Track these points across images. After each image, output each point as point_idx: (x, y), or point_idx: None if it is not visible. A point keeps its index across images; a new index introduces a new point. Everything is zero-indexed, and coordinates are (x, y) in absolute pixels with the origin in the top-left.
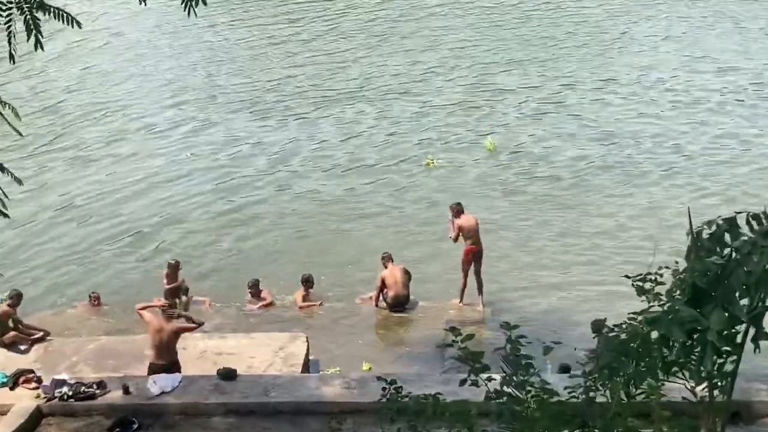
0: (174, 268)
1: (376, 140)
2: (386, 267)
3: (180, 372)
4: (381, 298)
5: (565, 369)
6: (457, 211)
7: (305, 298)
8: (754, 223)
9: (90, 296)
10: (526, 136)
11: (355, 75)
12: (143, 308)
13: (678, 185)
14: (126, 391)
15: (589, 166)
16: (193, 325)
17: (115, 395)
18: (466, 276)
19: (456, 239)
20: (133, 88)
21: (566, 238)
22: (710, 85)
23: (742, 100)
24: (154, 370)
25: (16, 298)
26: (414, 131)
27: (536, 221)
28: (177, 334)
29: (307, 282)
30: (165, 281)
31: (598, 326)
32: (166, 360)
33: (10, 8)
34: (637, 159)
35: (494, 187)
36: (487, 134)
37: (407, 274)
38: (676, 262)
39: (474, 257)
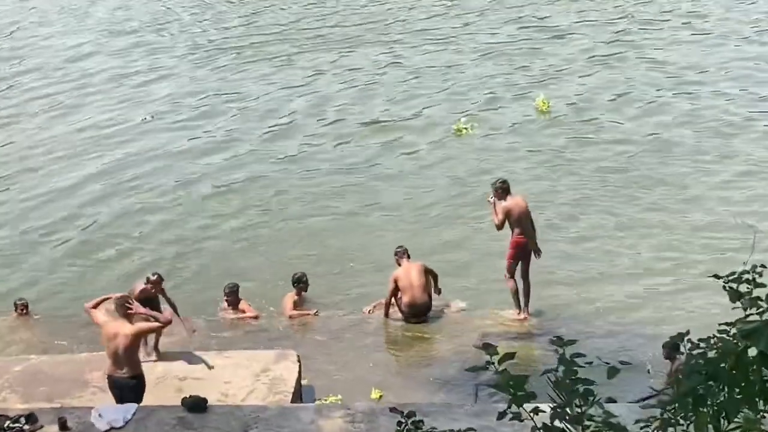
0: (156, 284)
1: (389, 97)
2: (400, 264)
3: (143, 387)
4: (394, 304)
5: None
6: (502, 190)
7: (297, 305)
8: None
9: (15, 304)
10: (589, 92)
11: (368, 11)
12: (96, 305)
13: None
14: (63, 426)
15: (671, 126)
16: (156, 324)
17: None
18: (512, 275)
19: (501, 227)
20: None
21: (637, 226)
22: None
23: None
24: (113, 383)
25: None
26: (441, 87)
27: (599, 205)
28: (138, 337)
29: (299, 283)
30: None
31: (673, 346)
32: (128, 371)
33: None
34: (734, 115)
35: (545, 160)
36: (538, 91)
37: (428, 274)
38: None
39: (523, 252)
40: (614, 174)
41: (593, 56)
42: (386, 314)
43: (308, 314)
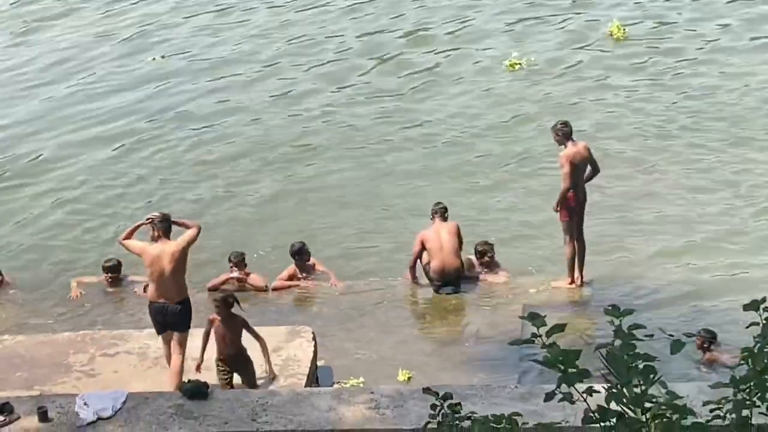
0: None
1: (427, 25)
2: (436, 218)
3: (190, 313)
4: (421, 270)
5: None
6: (564, 134)
7: (295, 278)
8: None
9: None
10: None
11: None
12: (128, 235)
13: None
14: (44, 417)
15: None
16: (194, 230)
17: (27, 423)
18: (572, 237)
19: (569, 183)
20: None
21: (709, 182)
22: None
23: None
24: (157, 310)
25: None
26: (489, 13)
27: (667, 156)
28: (183, 253)
29: (300, 254)
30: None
31: (710, 334)
32: (174, 297)
33: None
34: None
35: (615, 98)
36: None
37: (459, 236)
38: None
39: (580, 209)
40: (689, 121)
41: None
42: (413, 278)
43: (296, 285)
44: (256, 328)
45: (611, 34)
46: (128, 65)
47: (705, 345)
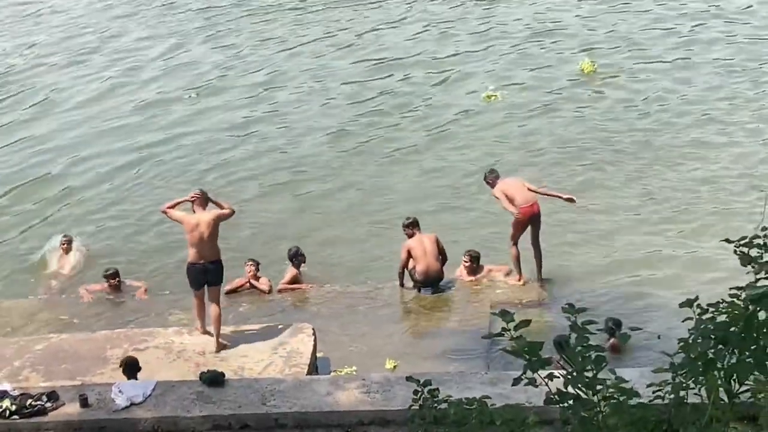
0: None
1: (409, 58)
2: (412, 236)
3: (223, 270)
4: (407, 274)
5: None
6: (492, 180)
7: (297, 281)
8: None
9: (62, 241)
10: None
11: None
12: (172, 206)
13: None
14: (84, 403)
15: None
16: (227, 210)
17: (70, 409)
18: (516, 242)
19: (513, 209)
20: None
21: (653, 195)
22: None
23: None
24: (198, 270)
25: None
26: (470, 48)
27: (621, 175)
28: (217, 222)
29: (296, 257)
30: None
31: (615, 323)
32: (210, 257)
33: None
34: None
35: (582, 127)
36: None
37: (439, 246)
38: None
39: (530, 219)
40: (638, 141)
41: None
42: (401, 284)
43: (300, 288)
44: (264, 326)
45: (582, 70)
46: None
47: (612, 332)
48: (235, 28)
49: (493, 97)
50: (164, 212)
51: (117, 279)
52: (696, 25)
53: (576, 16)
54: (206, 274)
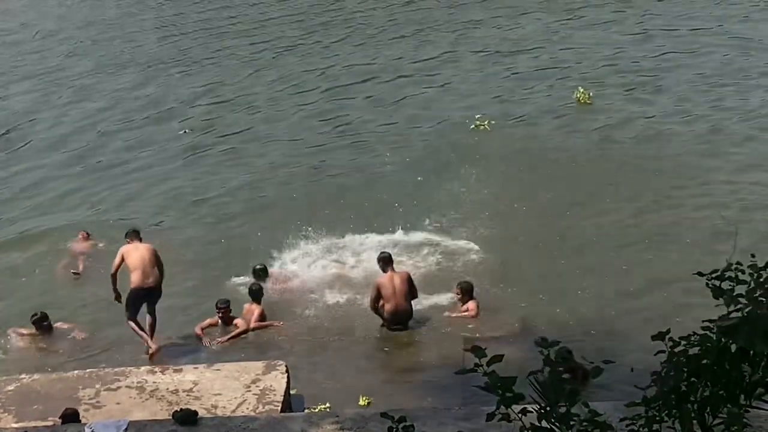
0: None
1: (400, 90)
2: (385, 271)
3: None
4: (377, 312)
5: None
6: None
7: (264, 316)
8: None
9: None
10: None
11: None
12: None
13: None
14: None
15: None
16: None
17: None
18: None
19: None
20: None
21: (629, 226)
22: None
23: None
24: (139, 296)
25: None
26: (464, 81)
27: (606, 205)
28: (155, 252)
29: (260, 293)
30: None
31: (660, 338)
32: (153, 282)
33: None
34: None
35: (569, 154)
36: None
37: (411, 284)
38: (752, 257)
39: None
40: (618, 172)
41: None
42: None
43: (272, 324)
44: (238, 364)
45: (578, 100)
46: None
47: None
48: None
49: (482, 126)
50: (113, 275)
51: (46, 323)
52: (692, 54)
53: (570, 48)
54: (149, 297)
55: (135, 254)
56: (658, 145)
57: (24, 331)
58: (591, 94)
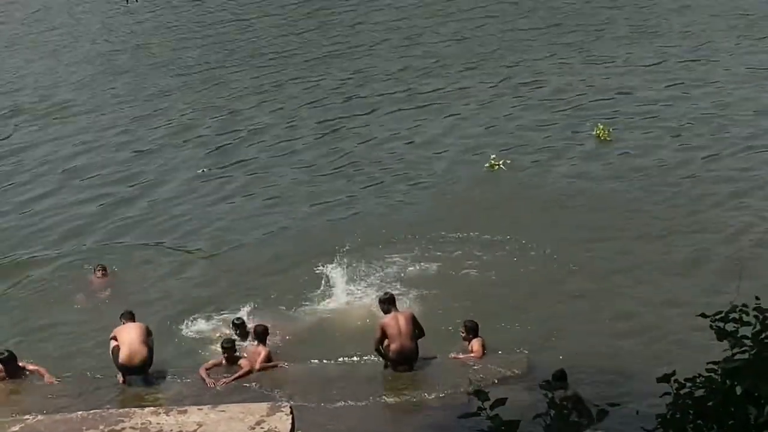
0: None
1: (414, 130)
2: (388, 312)
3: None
4: (381, 352)
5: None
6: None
7: (269, 357)
8: None
9: (94, 268)
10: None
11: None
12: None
13: None
14: None
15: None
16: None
17: None
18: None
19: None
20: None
21: (637, 268)
22: None
23: None
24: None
25: None
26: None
27: (605, 247)
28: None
29: (265, 334)
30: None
31: (559, 377)
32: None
33: None
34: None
35: (583, 188)
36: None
37: (416, 323)
38: (757, 299)
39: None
40: (628, 212)
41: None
42: (382, 357)
43: (277, 365)
44: (243, 405)
45: (598, 136)
46: None
47: (555, 387)
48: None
49: (496, 166)
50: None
51: (13, 362)
52: (708, 87)
53: (590, 85)
54: (136, 374)
55: (125, 335)
56: (678, 182)
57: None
58: (611, 129)
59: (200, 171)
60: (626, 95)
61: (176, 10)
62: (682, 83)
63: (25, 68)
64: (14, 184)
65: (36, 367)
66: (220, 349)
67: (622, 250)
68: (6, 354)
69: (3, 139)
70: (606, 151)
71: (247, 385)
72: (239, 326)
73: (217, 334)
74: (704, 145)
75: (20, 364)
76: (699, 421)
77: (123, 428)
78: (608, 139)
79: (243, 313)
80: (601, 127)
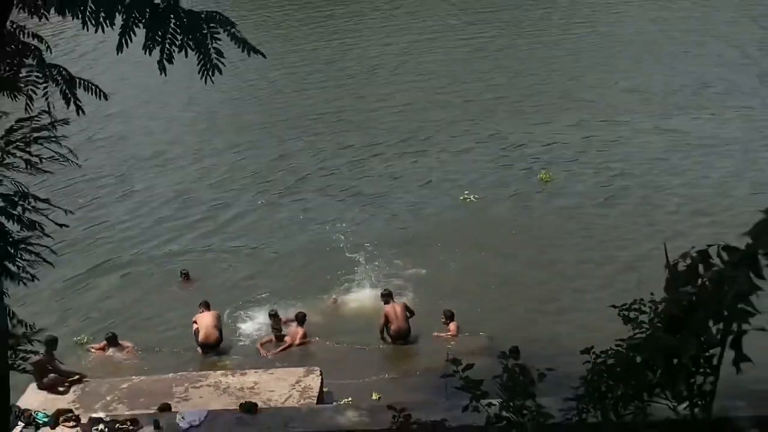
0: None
1: (401, 170)
2: (388, 303)
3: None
4: (384, 331)
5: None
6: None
7: (306, 336)
8: (724, 254)
9: (180, 272)
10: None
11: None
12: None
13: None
14: (157, 426)
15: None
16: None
17: (147, 431)
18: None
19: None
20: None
21: (570, 276)
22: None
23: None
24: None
25: (52, 343)
26: (453, 162)
27: (548, 264)
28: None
29: (304, 319)
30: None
31: (512, 350)
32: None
33: (46, 83)
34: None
35: (535, 219)
36: (541, 167)
37: (408, 309)
38: (651, 294)
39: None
40: (555, 233)
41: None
42: (382, 338)
43: (310, 341)
44: (286, 369)
45: (542, 178)
46: None
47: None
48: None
49: (468, 199)
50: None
51: (115, 340)
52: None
53: (537, 140)
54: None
55: (202, 320)
56: (598, 211)
57: (97, 345)
58: (551, 174)
59: (259, 203)
60: (563, 149)
61: (243, 81)
62: (600, 141)
63: (133, 129)
64: (134, 215)
65: (131, 345)
66: (270, 329)
67: (559, 260)
68: (111, 334)
69: (119, 176)
70: (547, 188)
71: (289, 355)
72: (273, 316)
73: (267, 320)
74: (616, 185)
75: (120, 342)
76: (610, 382)
77: (201, 385)
78: (549, 180)
79: (283, 304)
80: (544, 172)
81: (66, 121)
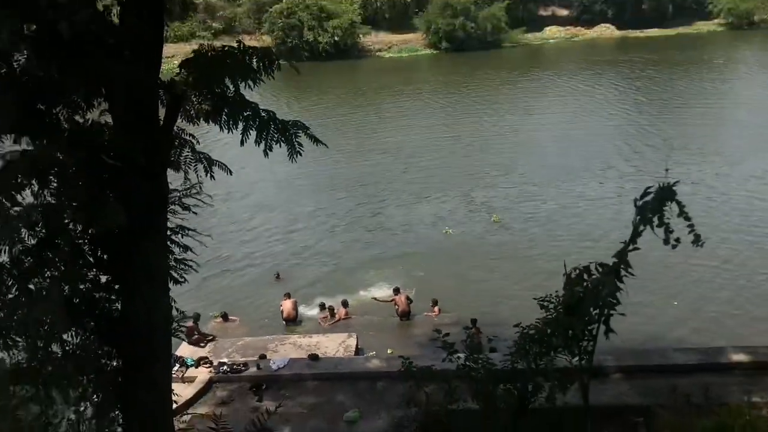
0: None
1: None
2: (397, 293)
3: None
4: (396, 312)
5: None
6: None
7: (348, 314)
8: (600, 268)
9: (276, 273)
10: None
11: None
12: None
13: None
14: (258, 368)
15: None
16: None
17: (253, 370)
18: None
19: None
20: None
21: (514, 278)
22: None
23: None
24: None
25: (197, 317)
26: (432, 203)
27: (498, 273)
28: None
29: (347, 304)
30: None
31: (472, 321)
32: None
33: (196, 163)
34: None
35: (489, 249)
36: (493, 211)
37: (409, 298)
38: (557, 291)
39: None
40: (509, 255)
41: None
42: (397, 315)
43: (350, 317)
44: (335, 334)
45: (495, 220)
46: None
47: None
48: None
49: (448, 233)
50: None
51: (226, 317)
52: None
53: (494, 196)
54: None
55: (285, 305)
56: (537, 240)
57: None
58: (500, 216)
59: (326, 239)
60: (505, 202)
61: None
62: (539, 194)
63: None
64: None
65: (237, 318)
66: (326, 309)
67: (506, 270)
68: (223, 312)
69: (242, 220)
70: (499, 227)
71: (337, 326)
72: (322, 306)
73: (322, 305)
74: (541, 226)
75: (230, 317)
76: (531, 344)
77: (285, 343)
78: (499, 221)
79: (336, 295)
80: (495, 215)
81: (201, 184)
